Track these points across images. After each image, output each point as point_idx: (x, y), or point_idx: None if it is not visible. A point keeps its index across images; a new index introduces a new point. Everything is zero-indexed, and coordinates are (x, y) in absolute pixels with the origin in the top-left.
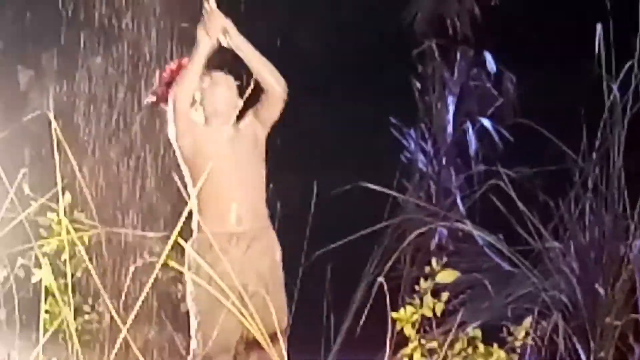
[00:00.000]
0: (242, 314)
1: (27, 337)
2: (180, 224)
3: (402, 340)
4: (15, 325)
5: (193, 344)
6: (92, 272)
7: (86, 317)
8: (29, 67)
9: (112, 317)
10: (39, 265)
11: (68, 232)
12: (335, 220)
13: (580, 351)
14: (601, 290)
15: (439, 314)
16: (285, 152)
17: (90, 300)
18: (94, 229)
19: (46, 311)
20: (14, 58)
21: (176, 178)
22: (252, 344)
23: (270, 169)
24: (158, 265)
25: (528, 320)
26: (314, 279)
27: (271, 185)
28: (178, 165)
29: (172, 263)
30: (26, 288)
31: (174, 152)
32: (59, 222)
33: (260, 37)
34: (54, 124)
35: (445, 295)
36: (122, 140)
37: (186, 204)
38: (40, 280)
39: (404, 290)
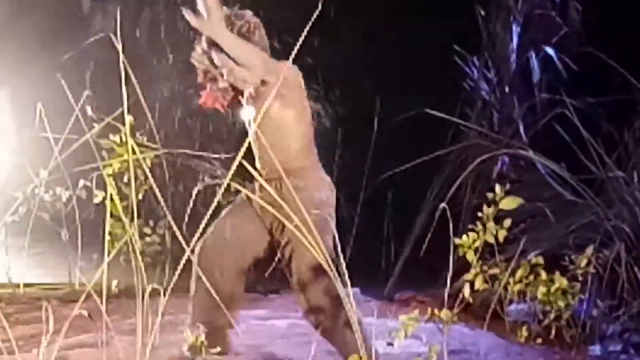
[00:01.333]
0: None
1: (88, 257)
2: (244, 147)
3: (463, 267)
4: (77, 246)
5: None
6: (157, 193)
7: (147, 239)
8: None
9: (173, 239)
10: (100, 187)
11: (133, 153)
12: (398, 147)
13: None
14: None
15: (501, 240)
16: (348, 78)
17: (151, 223)
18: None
19: (109, 233)
20: None
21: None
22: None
23: (333, 94)
24: (222, 186)
25: (590, 249)
26: (375, 206)
27: (334, 110)
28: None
29: (234, 185)
30: (88, 209)
31: None
32: (121, 144)
33: None
34: (119, 47)
35: (507, 222)
36: (182, 66)
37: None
38: (102, 201)
39: (464, 218)
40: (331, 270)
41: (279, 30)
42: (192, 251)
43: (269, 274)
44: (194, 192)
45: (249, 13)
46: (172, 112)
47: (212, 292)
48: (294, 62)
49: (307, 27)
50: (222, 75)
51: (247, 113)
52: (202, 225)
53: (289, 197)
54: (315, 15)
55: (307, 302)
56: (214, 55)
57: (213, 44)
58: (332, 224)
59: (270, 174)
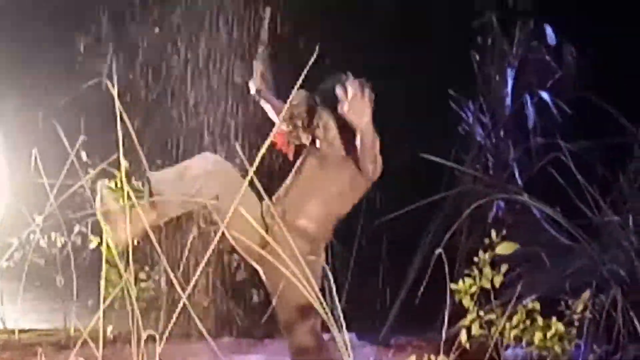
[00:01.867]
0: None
1: (84, 303)
2: (240, 193)
3: (458, 312)
4: (72, 291)
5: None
6: (153, 239)
7: (142, 285)
8: (88, 34)
9: (169, 285)
10: (95, 232)
11: (129, 199)
12: (393, 192)
13: (639, 326)
14: None
15: (497, 286)
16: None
17: (146, 268)
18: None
19: (104, 279)
20: (71, 25)
21: (238, 148)
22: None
23: None
24: (219, 233)
25: (586, 294)
26: (370, 250)
27: None
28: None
29: (233, 232)
30: (83, 255)
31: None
32: (117, 190)
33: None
34: (114, 92)
35: (504, 267)
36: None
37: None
38: (97, 246)
39: (460, 263)
40: (324, 311)
41: None
42: (188, 297)
43: (265, 320)
44: (190, 238)
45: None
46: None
47: None
48: None
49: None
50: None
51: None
52: (199, 272)
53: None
54: (307, 67)
55: (291, 344)
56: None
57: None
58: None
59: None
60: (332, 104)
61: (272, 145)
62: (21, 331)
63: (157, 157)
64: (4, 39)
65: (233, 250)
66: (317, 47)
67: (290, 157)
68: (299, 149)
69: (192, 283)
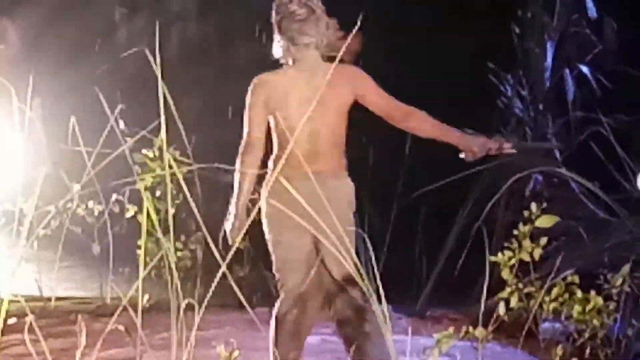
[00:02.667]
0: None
1: (119, 271)
2: (281, 162)
3: (494, 286)
4: (108, 260)
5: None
6: (194, 208)
7: (179, 254)
8: (124, 5)
9: (205, 254)
10: (132, 201)
11: (170, 167)
12: (431, 164)
13: None
14: None
15: (537, 258)
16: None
17: (182, 238)
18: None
19: (141, 247)
20: None
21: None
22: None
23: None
24: (259, 203)
25: (625, 268)
26: (407, 222)
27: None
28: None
29: (272, 201)
30: (120, 223)
31: None
32: (154, 159)
33: None
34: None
35: (543, 240)
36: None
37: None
38: (134, 216)
39: (498, 235)
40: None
41: None
42: (227, 266)
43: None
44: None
45: None
46: (207, 126)
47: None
48: None
49: (344, 46)
50: None
51: None
52: (238, 242)
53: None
54: (352, 34)
55: (334, 314)
56: None
57: None
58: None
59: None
60: None
61: None
62: (57, 299)
63: (196, 129)
64: (43, 9)
65: None
66: (358, 19)
67: None
68: None
69: (230, 253)
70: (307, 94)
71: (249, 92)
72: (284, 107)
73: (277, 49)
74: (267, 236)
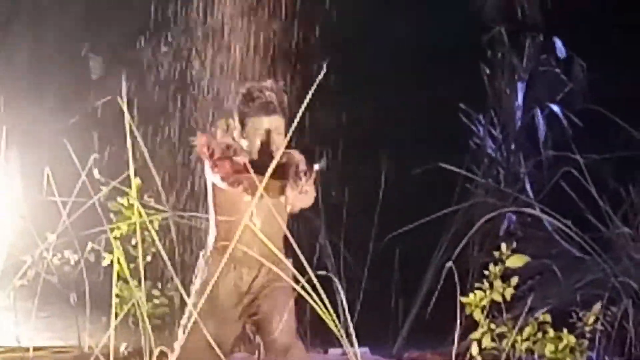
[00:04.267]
0: None
1: (97, 320)
2: (252, 206)
3: (470, 325)
4: (85, 309)
5: None
6: (163, 255)
7: (155, 301)
8: (98, 54)
9: (182, 301)
10: (108, 250)
11: (140, 215)
12: (404, 206)
13: None
14: None
15: (508, 298)
16: (353, 137)
17: (159, 285)
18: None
19: (116, 295)
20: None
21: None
22: None
23: (339, 154)
24: (229, 250)
25: (597, 306)
26: (382, 264)
27: (340, 170)
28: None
29: (241, 247)
30: (96, 272)
31: None
32: (129, 207)
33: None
34: (126, 112)
35: (514, 280)
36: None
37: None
38: (111, 264)
39: (472, 276)
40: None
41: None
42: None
43: None
44: (201, 254)
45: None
46: (181, 174)
47: None
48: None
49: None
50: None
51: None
52: (208, 289)
53: None
54: (319, 79)
55: None
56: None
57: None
58: None
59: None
60: None
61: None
62: (35, 349)
63: (172, 173)
64: (18, 59)
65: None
66: (324, 65)
67: None
68: None
69: (202, 300)
70: None
71: None
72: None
73: None
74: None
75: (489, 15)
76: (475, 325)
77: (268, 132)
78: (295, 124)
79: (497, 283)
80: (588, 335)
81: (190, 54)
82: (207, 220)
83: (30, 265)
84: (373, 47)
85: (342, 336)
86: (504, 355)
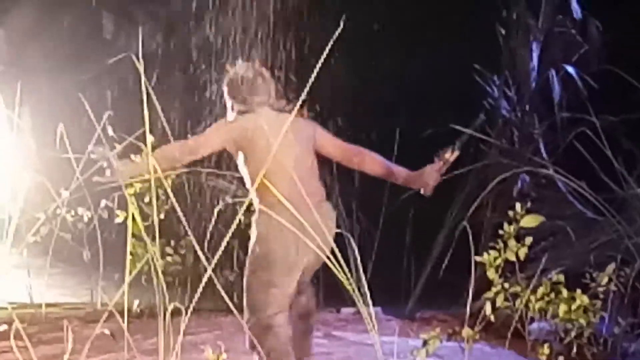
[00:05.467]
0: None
1: (110, 277)
2: (264, 168)
3: (484, 285)
4: (99, 266)
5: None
6: (178, 211)
7: (169, 259)
8: (112, 12)
9: (194, 259)
10: (122, 207)
11: (155, 172)
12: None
13: None
14: None
15: (522, 258)
16: (367, 98)
17: (172, 243)
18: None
19: (130, 252)
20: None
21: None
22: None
23: (354, 115)
24: (244, 205)
25: (611, 267)
26: (396, 225)
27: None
28: None
29: (256, 204)
30: (110, 229)
31: None
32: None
33: None
34: (141, 69)
35: (529, 240)
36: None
37: None
38: (124, 221)
39: (485, 236)
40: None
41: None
42: (213, 270)
43: None
44: (215, 211)
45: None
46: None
47: None
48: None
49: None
50: None
51: None
52: (224, 244)
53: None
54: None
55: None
56: None
57: None
58: None
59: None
60: None
61: None
62: (48, 305)
63: (184, 131)
64: (31, 16)
65: None
66: (341, 22)
67: None
68: None
69: (216, 257)
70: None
71: (225, 123)
72: (257, 150)
73: (231, 113)
74: (256, 246)
75: None
76: (488, 285)
77: None
78: (310, 83)
79: (511, 243)
80: (601, 296)
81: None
82: (222, 177)
83: (44, 221)
84: (387, 7)
85: (355, 295)
86: (517, 315)
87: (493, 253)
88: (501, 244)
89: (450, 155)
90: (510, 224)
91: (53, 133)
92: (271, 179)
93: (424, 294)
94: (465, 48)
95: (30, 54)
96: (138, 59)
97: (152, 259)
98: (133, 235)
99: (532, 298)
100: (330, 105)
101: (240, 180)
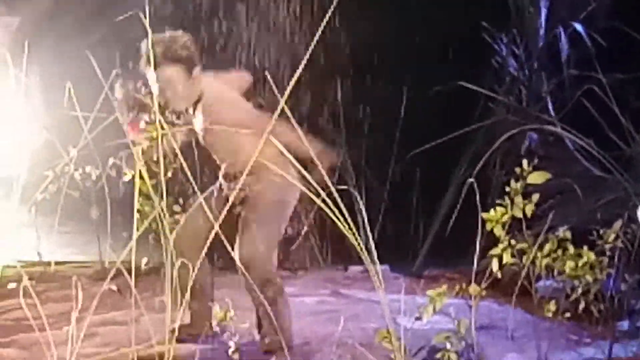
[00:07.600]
0: None
1: (118, 235)
2: (273, 118)
3: (492, 244)
4: (107, 224)
5: None
6: (186, 170)
7: (177, 217)
8: None
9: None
10: (130, 165)
11: (162, 128)
12: (426, 125)
13: None
14: None
15: (529, 215)
16: (375, 56)
17: (180, 201)
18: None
19: (137, 210)
20: None
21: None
22: None
23: (362, 72)
24: (250, 161)
25: (618, 224)
26: (403, 183)
27: (362, 89)
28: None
29: (264, 162)
30: (118, 187)
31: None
32: (151, 122)
33: None
34: (148, 28)
35: (535, 197)
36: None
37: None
38: (132, 179)
39: (493, 194)
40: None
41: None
42: (220, 227)
43: (294, 251)
44: (222, 169)
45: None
46: None
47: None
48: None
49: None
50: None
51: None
52: (230, 202)
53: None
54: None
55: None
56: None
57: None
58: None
59: None
60: None
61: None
62: (57, 263)
63: None
64: None
65: None
66: None
67: None
68: None
69: (222, 214)
70: None
71: None
72: None
73: None
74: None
75: None
76: (495, 243)
77: None
78: (314, 42)
79: (518, 199)
80: (608, 253)
81: None
82: None
83: (52, 179)
84: None
85: (362, 253)
86: (524, 272)
87: (500, 210)
88: (508, 201)
89: None
90: (517, 180)
91: (61, 91)
92: None
93: (432, 252)
94: (473, 6)
95: (36, 13)
96: (145, 17)
97: (159, 217)
98: (141, 193)
99: (539, 255)
100: (337, 65)
101: None
